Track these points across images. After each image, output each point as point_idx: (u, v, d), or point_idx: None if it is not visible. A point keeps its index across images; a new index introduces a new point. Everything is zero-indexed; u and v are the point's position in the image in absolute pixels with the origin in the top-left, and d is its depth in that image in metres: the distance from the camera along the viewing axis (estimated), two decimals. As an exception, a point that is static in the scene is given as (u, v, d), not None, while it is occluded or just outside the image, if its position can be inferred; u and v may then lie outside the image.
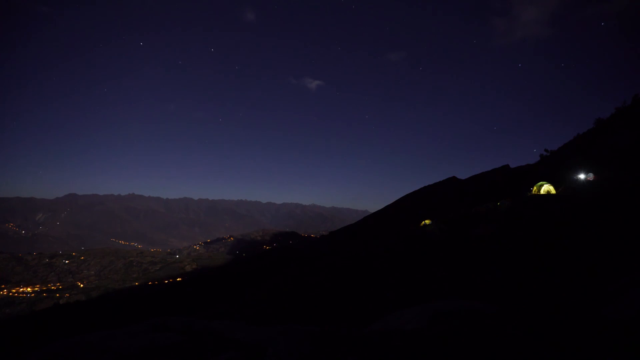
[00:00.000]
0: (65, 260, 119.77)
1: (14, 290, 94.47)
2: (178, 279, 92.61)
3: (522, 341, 3.29)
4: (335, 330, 4.49)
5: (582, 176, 17.69)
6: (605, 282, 5.76)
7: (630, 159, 16.34)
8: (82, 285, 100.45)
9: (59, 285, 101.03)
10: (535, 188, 19.74)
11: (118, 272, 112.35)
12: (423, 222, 21.04)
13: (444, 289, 8.34)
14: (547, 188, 19.09)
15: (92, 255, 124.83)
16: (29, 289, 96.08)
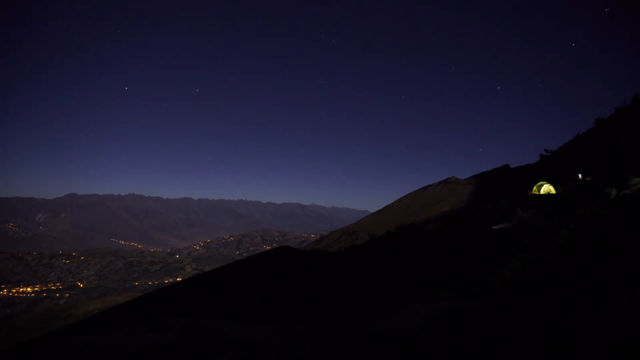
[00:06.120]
0: (65, 260, 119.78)
1: (14, 290, 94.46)
2: (178, 279, 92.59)
3: (523, 341, 3.30)
4: (335, 331, 4.49)
5: (579, 177, 17.68)
6: (605, 282, 5.76)
7: (630, 159, 16.36)
8: (82, 285, 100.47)
9: (59, 285, 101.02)
10: (535, 188, 19.75)
11: (118, 272, 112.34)
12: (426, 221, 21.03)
13: (443, 289, 8.33)
14: (547, 188, 19.11)
15: (92, 255, 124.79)
16: (29, 289, 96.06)
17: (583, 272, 6.85)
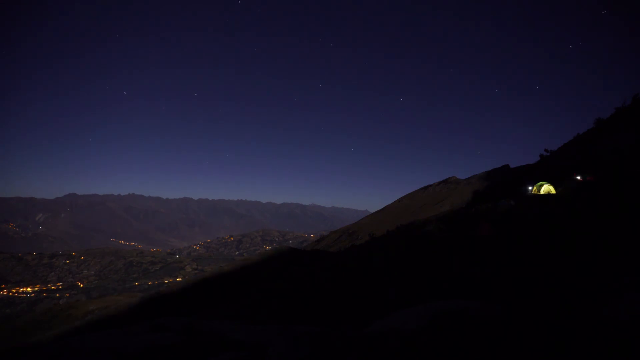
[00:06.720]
0: (65, 260, 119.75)
1: (14, 290, 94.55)
2: (178, 279, 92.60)
3: (523, 341, 3.29)
4: (334, 331, 4.49)
5: (579, 177, 17.67)
6: (605, 282, 5.76)
7: (630, 159, 16.35)
8: (82, 285, 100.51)
9: (59, 285, 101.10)
10: (535, 188, 19.74)
11: (118, 272, 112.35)
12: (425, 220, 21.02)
13: (444, 289, 8.33)
14: (547, 188, 19.10)
15: (92, 255, 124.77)
16: (29, 289, 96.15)
17: (583, 272, 6.85)
